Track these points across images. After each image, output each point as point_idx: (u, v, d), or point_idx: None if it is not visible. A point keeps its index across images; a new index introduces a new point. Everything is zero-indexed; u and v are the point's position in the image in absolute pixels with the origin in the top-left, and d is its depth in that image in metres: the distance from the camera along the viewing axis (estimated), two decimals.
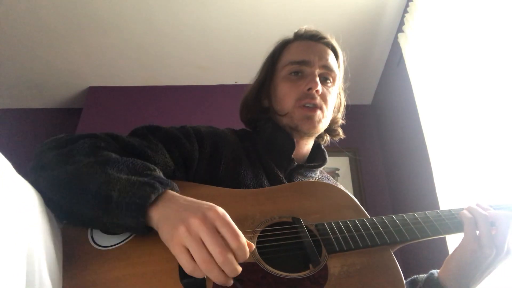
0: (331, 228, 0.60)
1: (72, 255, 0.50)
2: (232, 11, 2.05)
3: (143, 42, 2.26)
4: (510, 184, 1.11)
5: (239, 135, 0.86)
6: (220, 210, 0.49)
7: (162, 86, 2.61)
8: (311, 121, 0.80)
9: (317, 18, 2.05)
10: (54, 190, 0.52)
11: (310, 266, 0.55)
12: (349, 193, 0.71)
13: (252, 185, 0.73)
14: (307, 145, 0.88)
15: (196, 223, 0.46)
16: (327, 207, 0.66)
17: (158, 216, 0.50)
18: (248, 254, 0.47)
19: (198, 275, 0.45)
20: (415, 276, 0.73)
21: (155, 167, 0.59)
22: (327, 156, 0.90)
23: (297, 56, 0.85)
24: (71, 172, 0.53)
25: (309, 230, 0.60)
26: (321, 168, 0.91)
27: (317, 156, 0.91)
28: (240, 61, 2.41)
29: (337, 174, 2.39)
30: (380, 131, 2.54)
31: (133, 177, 0.52)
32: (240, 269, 0.45)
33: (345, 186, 0.72)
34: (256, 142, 0.85)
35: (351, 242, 0.58)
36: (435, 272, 0.69)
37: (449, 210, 0.69)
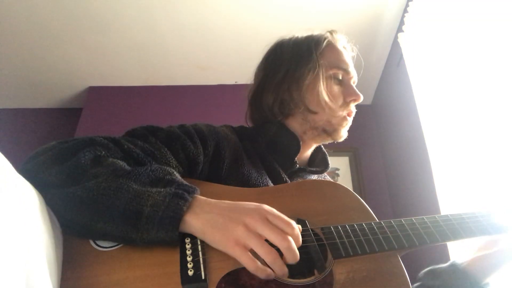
0: (338, 232, 0.59)
1: (72, 255, 0.49)
2: (232, 11, 2.05)
3: (143, 42, 2.25)
4: (510, 184, 1.11)
5: (238, 133, 0.84)
6: (267, 206, 0.53)
7: (162, 86, 2.61)
8: (346, 131, 0.84)
9: (317, 18, 2.06)
10: (69, 208, 0.50)
11: (315, 272, 0.54)
12: (356, 194, 0.69)
13: (257, 186, 0.72)
14: (311, 148, 0.88)
15: (252, 222, 0.50)
16: (333, 209, 0.64)
17: (201, 222, 0.51)
18: (301, 241, 0.51)
19: (260, 274, 0.48)
20: (432, 267, 0.71)
21: (173, 170, 0.59)
22: (329, 161, 0.89)
23: (345, 64, 0.85)
24: (90, 188, 0.50)
25: (315, 234, 0.58)
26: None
27: (317, 158, 0.89)
28: (240, 61, 2.41)
29: (337, 174, 2.39)
30: (380, 131, 2.54)
31: (161, 189, 0.52)
32: (298, 255, 0.50)
33: (344, 186, 0.71)
34: (257, 140, 0.83)
35: (357, 247, 0.57)
36: (457, 261, 0.68)
37: (460, 214, 0.67)
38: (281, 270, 0.49)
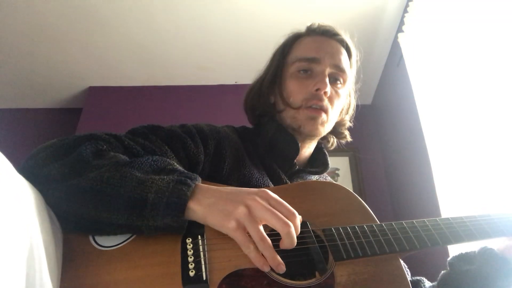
0: (339, 234, 0.58)
1: (72, 255, 0.49)
2: (232, 11, 2.05)
3: (143, 42, 2.25)
4: (510, 183, 1.11)
5: (239, 133, 0.83)
6: (270, 191, 0.52)
7: (162, 86, 2.61)
8: (314, 123, 0.77)
9: (317, 18, 2.05)
10: (73, 200, 0.49)
11: (317, 274, 0.53)
12: (357, 196, 0.68)
13: (258, 187, 0.71)
14: (309, 148, 0.87)
15: (254, 204, 0.49)
16: (335, 210, 0.63)
17: (202, 207, 0.51)
18: (298, 232, 0.51)
19: (249, 252, 0.48)
20: (463, 252, 0.69)
21: (173, 161, 0.59)
22: (329, 161, 0.87)
23: (307, 53, 0.81)
24: (94, 178, 0.50)
25: (316, 235, 0.58)
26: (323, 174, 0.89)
27: (317, 159, 0.88)
28: (240, 61, 2.41)
29: (337, 174, 2.39)
30: (380, 131, 2.54)
31: (164, 176, 0.52)
32: (296, 242, 0.49)
33: (345, 186, 0.70)
34: (257, 141, 0.82)
35: (359, 250, 0.56)
36: (489, 246, 0.67)
37: (461, 217, 0.66)
38: (273, 260, 0.48)
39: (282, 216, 0.49)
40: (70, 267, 0.48)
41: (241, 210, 0.49)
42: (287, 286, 0.50)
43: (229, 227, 0.49)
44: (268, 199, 0.51)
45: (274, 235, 0.51)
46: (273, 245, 0.49)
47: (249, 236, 0.49)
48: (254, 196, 0.51)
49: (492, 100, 1.22)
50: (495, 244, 0.67)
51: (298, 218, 0.51)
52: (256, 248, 0.49)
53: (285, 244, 0.49)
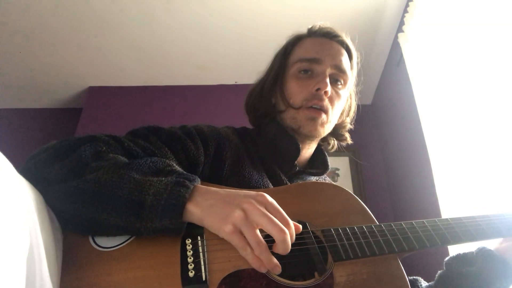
0: (338, 235, 0.58)
1: (72, 255, 0.49)
2: (232, 11, 2.05)
3: (143, 42, 2.25)
4: (510, 183, 1.11)
5: (239, 134, 0.83)
6: (268, 196, 0.52)
7: (162, 86, 2.61)
8: (314, 123, 0.77)
9: (317, 18, 2.05)
10: (72, 202, 0.50)
11: (316, 274, 0.54)
12: (356, 197, 0.68)
13: (257, 188, 0.71)
14: (310, 149, 0.87)
15: (250, 208, 0.49)
16: (334, 211, 0.64)
17: (200, 209, 0.51)
18: (294, 240, 0.51)
19: (246, 254, 0.48)
20: (461, 253, 0.69)
21: (172, 162, 0.59)
22: (328, 162, 0.87)
23: (308, 54, 0.81)
24: (92, 180, 0.50)
25: (316, 236, 0.58)
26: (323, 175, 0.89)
27: (317, 160, 0.89)
28: (240, 61, 2.41)
29: (337, 174, 2.39)
30: (380, 131, 2.54)
31: (162, 178, 0.52)
32: (289, 249, 0.49)
33: (345, 186, 0.70)
34: (258, 143, 0.82)
35: (358, 250, 0.57)
36: (488, 247, 0.67)
37: (460, 218, 0.67)
38: (269, 263, 0.48)
39: (278, 222, 0.49)
40: (70, 267, 0.48)
41: (237, 214, 0.49)
42: (286, 287, 0.51)
43: (225, 230, 0.49)
44: (266, 205, 0.51)
45: (270, 236, 0.51)
46: (269, 246, 0.49)
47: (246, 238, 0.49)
48: (251, 200, 0.51)
49: (493, 99, 1.22)
50: (493, 244, 0.67)
51: (293, 227, 0.51)
52: (253, 250, 0.49)
53: (279, 250, 0.49)
